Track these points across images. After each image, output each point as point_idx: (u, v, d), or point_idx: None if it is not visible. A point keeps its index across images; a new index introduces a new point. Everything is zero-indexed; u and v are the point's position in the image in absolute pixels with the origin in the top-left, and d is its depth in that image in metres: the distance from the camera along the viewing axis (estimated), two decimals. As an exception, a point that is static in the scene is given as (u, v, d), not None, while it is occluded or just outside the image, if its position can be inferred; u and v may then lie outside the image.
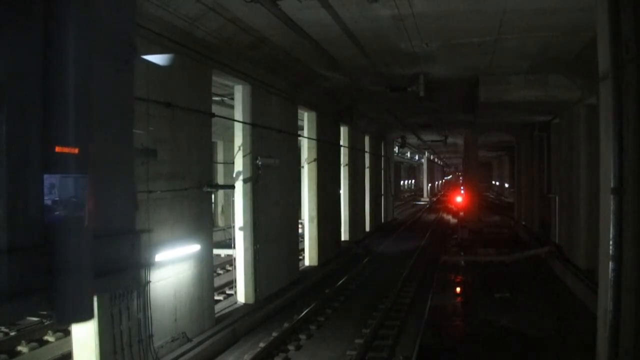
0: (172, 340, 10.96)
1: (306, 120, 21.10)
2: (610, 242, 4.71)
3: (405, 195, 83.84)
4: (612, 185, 4.71)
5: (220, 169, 28.30)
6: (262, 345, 12.12)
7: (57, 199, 2.68)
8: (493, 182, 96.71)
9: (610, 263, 4.71)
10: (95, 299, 7.85)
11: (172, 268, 11.03)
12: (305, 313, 14.45)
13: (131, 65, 3.28)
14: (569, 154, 20.17)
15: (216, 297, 14.82)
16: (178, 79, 11.30)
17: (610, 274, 4.72)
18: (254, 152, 14.91)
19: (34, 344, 12.16)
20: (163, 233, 10.62)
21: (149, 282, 9.95)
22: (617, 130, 4.65)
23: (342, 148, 26.15)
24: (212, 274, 13.17)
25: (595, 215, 5.69)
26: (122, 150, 3.26)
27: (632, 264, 4.65)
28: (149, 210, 10.14)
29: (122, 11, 3.25)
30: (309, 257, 21.47)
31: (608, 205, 4.79)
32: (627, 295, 4.67)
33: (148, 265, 9.80)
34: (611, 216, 4.72)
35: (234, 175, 15.17)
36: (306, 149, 21.33)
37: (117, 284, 3.72)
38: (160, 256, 10.30)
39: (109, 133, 3.11)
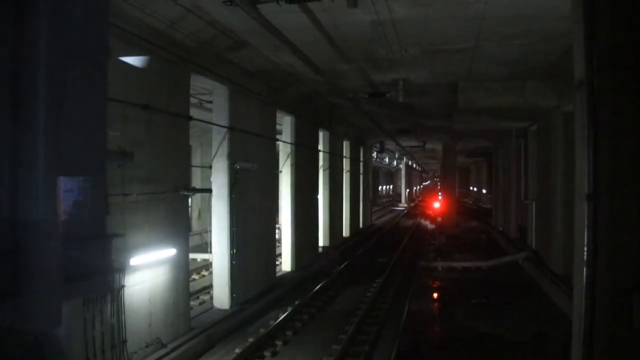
0: (147, 346, 10.86)
1: (285, 125, 21.09)
2: (585, 248, 4.76)
3: (384, 201, 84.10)
4: (586, 191, 4.76)
5: (197, 172, 28.15)
6: (237, 351, 12.04)
7: (27, 201, 2.63)
8: (471, 188, 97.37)
9: (585, 269, 4.76)
10: (66, 304, 7.76)
11: (147, 272, 10.94)
12: (282, 319, 14.39)
13: (104, 68, 3.24)
14: (546, 160, 20.42)
15: (192, 302, 14.70)
16: (156, 81, 11.24)
17: (585, 280, 4.77)
18: (231, 156, 14.85)
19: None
20: (138, 237, 10.52)
21: (124, 286, 9.85)
22: (592, 138, 4.70)
23: (320, 153, 26.17)
24: (187, 279, 13.11)
25: (571, 222, 5.74)
26: (94, 152, 3.22)
27: (606, 270, 4.70)
28: (124, 213, 10.05)
29: (96, 13, 3.22)
30: (285, 262, 21.43)
31: (583, 211, 4.83)
32: (601, 301, 4.72)
33: (122, 269, 9.70)
34: (586, 222, 4.76)
35: (212, 179, 15.11)
36: (284, 153, 21.30)
37: (89, 289, 3.66)
38: (135, 260, 10.21)
39: (81, 135, 3.07)
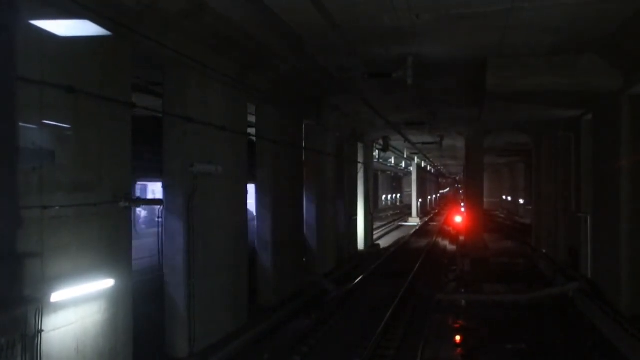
0: (72, 412, 10.61)
1: (259, 115, 20.94)
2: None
3: (389, 214, 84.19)
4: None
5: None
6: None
7: None
8: (504, 197, 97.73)
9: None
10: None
11: (74, 311, 10.69)
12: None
13: (11, 34, 3.00)
14: (606, 159, 20.26)
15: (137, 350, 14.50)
16: (85, 56, 11.00)
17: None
18: (188, 155, 14.69)
19: None
20: (63, 264, 10.29)
21: (41, 331, 9.59)
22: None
23: (305, 151, 26.10)
24: (130, 319, 12.82)
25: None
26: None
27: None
28: (43, 232, 9.81)
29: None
30: (261, 294, 21.24)
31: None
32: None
33: (40, 307, 9.46)
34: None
35: (162, 187, 14.91)
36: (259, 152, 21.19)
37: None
38: (57, 295, 9.96)
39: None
